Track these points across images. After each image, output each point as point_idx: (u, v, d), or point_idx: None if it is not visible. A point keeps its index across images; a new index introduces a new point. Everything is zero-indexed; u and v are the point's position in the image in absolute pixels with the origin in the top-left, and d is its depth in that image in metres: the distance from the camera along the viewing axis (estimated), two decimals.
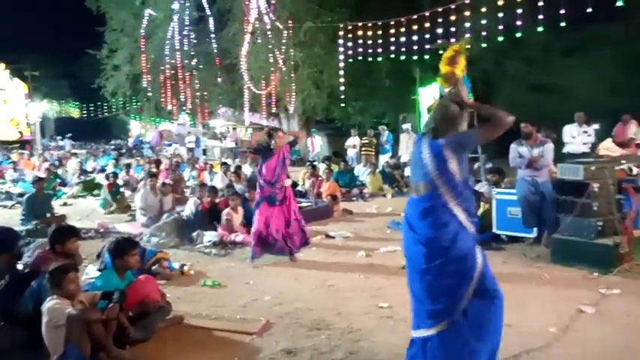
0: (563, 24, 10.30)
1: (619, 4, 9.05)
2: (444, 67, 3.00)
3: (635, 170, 5.65)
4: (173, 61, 17.77)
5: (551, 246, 5.62)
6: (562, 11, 10.13)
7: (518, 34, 11.05)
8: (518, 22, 10.47)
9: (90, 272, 5.32)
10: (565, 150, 9.18)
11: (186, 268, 5.55)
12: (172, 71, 18.28)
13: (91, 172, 16.53)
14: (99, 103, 36.13)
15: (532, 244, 6.21)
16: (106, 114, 36.95)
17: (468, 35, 3.14)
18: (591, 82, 15.35)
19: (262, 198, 5.97)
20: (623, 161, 5.93)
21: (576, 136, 9.19)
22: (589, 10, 9.38)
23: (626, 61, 15.24)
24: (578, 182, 5.37)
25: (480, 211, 6.75)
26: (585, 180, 5.32)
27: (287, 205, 6.06)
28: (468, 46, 3.10)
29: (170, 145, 26.69)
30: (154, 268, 5.26)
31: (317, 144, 19.70)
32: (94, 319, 3.26)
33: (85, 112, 41.27)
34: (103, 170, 16.96)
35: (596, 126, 10.48)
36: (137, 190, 9.99)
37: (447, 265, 2.71)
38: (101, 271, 4.64)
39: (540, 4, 9.77)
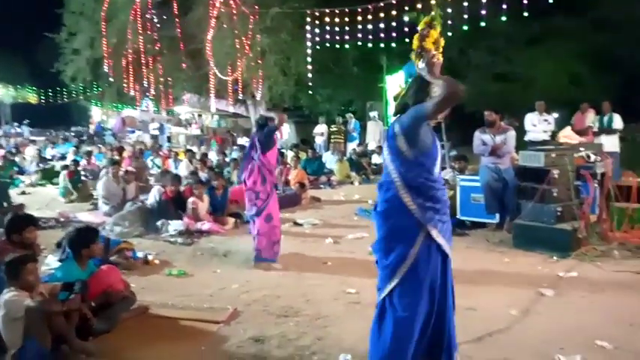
0: (525, 14, 10.52)
1: None
2: (415, 42, 2.81)
3: (592, 157, 5.86)
4: (136, 46, 17.26)
5: (512, 231, 5.79)
6: (525, 1, 10.34)
7: (483, 24, 11.23)
8: (483, 12, 10.63)
9: (50, 263, 5.16)
10: (526, 138, 9.43)
11: (150, 257, 5.45)
12: (135, 56, 17.77)
13: (51, 160, 15.98)
14: (58, 89, 34.85)
15: (495, 229, 6.39)
16: (65, 100, 35.67)
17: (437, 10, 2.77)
18: (552, 72, 15.77)
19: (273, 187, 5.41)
20: (582, 149, 6.14)
21: (537, 124, 9.46)
22: (550, 1, 9.61)
23: (584, 52, 15.73)
24: (538, 169, 5.53)
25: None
26: (546, 167, 5.48)
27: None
28: (438, 16, 2.83)
29: (133, 132, 26.03)
30: (112, 258, 5.09)
31: (285, 131, 19.58)
32: (55, 311, 3.16)
33: (44, 97, 39.75)
34: (63, 158, 16.42)
35: (555, 114, 10.81)
36: (99, 178, 9.73)
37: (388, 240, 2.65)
38: (62, 262, 4.50)
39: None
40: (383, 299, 2.67)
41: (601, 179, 5.79)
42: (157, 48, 18.53)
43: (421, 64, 2.74)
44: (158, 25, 17.82)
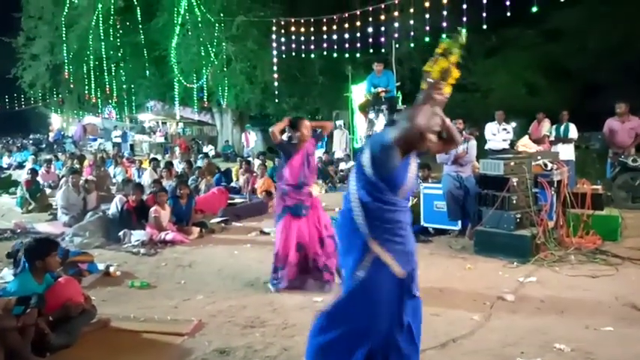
0: (484, 27, 10.85)
1: (534, 10, 9.67)
2: (428, 63, 2.57)
3: (549, 165, 6.07)
4: (98, 52, 16.89)
5: (474, 237, 5.93)
6: (484, 14, 10.67)
7: (444, 36, 11.51)
8: (444, 24, 10.90)
9: (4, 276, 4.96)
10: (486, 146, 9.69)
11: (112, 269, 5.31)
12: (97, 62, 17.38)
13: (7, 169, 15.41)
14: (15, 95, 33.65)
15: (457, 236, 6.53)
16: (23, 106, 34.48)
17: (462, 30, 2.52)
18: (509, 82, 16.32)
19: (285, 208, 4.67)
20: (539, 157, 6.35)
21: (496, 134, 9.74)
22: (508, 14, 9.96)
23: (539, 63, 16.34)
24: (498, 177, 5.69)
25: (409, 204, 6.99)
26: (505, 175, 5.64)
27: (317, 216, 4.74)
28: (458, 44, 2.60)
29: (95, 139, 25.42)
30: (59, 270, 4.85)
31: (251, 139, 19.53)
32: (9, 327, 3.04)
33: (0, 104, 38.29)
34: (20, 166, 15.85)
35: (514, 124, 11.15)
36: (58, 188, 9.44)
37: None
38: (16, 275, 4.33)
39: (464, 6, 10.24)
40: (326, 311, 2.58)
41: (558, 187, 6.00)
42: (119, 54, 18.20)
43: (423, 86, 2.53)
44: (121, 31, 17.51)
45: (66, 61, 17.31)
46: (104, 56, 16.92)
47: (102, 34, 16.39)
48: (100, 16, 16.28)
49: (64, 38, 17.03)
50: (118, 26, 17.28)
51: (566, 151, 9.02)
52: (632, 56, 14.40)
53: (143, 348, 3.56)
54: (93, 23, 16.47)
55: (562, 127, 9.48)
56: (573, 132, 9.41)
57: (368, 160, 2.44)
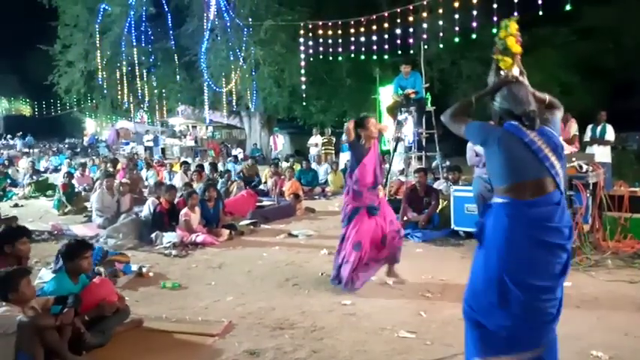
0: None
1: (567, 8, 9.44)
2: (515, 46, 2.74)
3: (584, 167, 5.89)
4: (130, 58, 17.32)
5: None
6: (515, 14, 10.45)
7: (474, 36, 11.35)
8: (474, 24, 10.75)
9: (43, 276, 5.11)
10: None
11: (145, 269, 5.42)
12: (129, 68, 17.82)
13: (44, 172, 15.92)
14: (52, 101, 34.80)
15: None
16: (59, 112, 35.63)
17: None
18: (543, 82, 15.91)
19: (357, 208, 4.65)
20: (574, 159, 6.18)
21: None
22: (540, 12, 9.74)
23: (573, 62, 15.94)
24: None
25: (439, 207, 6.91)
26: None
27: (383, 214, 4.73)
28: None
29: (127, 143, 26.04)
30: (97, 268, 5.04)
31: (279, 142, 19.67)
32: (47, 326, 3.13)
33: (37, 109, 39.66)
34: (56, 170, 16.35)
35: None
36: (93, 191, 9.70)
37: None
38: (55, 273, 4.46)
39: (494, 6, 10.08)
40: None
41: (593, 189, 5.83)
42: (151, 60, 18.61)
43: (513, 76, 2.74)
44: (152, 38, 17.91)
45: (99, 67, 17.78)
46: (136, 62, 17.32)
47: (134, 41, 16.79)
48: (132, 22, 16.69)
49: (97, 45, 17.50)
50: (150, 32, 17.66)
51: (603, 153, 8.77)
52: None
53: (174, 348, 3.61)
54: (125, 30, 16.88)
55: (599, 128, 9.20)
56: (610, 134, 9.13)
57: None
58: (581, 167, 5.83)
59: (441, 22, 11.63)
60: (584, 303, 4.21)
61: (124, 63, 17.69)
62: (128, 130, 28.09)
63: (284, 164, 13.71)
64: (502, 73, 2.78)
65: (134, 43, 16.92)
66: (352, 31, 12.77)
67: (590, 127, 9.37)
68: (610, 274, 4.96)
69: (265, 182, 11.39)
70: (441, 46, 13.08)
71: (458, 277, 4.56)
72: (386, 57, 13.47)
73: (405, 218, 7.07)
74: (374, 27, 12.42)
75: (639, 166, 9.15)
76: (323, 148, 15.49)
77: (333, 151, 15.46)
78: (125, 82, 18.35)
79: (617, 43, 14.97)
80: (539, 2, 9.76)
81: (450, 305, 4.09)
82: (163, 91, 19.91)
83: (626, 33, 14.67)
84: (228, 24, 15.72)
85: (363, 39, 12.70)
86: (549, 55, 16.01)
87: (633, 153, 11.34)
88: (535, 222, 2.44)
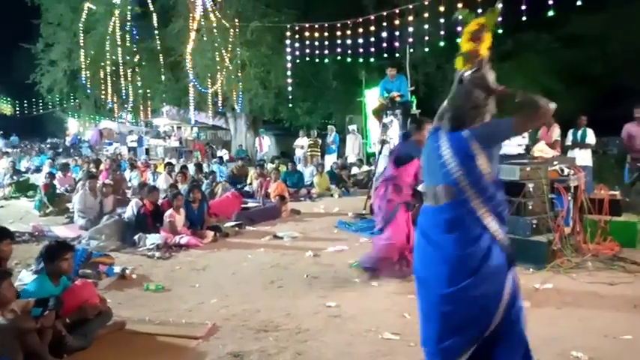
0: (499, 31, 10.77)
1: (550, 14, 9.59)
2: (465, 44, 2.51)
3: (566, 171, 5.99)
4: (114, 57, 17.13)
5: None
6: (499, 18, 10.60)
7: (458, 40, 11.47)
8: (459, 28, 10.87)
9: (23, 278, 5.03)
10: (502, 152, 9.58)
11: (127, 271, 5.36)
12: (113, 67, 17.63)
13: (25, 172, 15.65)
14: (33, 100, 34.23)
15: None
16: (41, 111, 35.07)
17: (499, 5, 2.44)
18: (525, 87, 16.11)
19: (400, 204, 4.85)
20: (556, 162, 6.28)
21: (512, 139, 9.63)
22: (523, 18, 9.89)
23: (556, 68, 16.19)
24: (514, 182, 5.63)
25: None
26: (521, 180, 5.59)
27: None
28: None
29: (111, 144, 25.74)
30: (80, 271, 4.99)
31: (265, 144, 19.63)
32: (28, 329, 3.09)
33: (19, 108, 38.98)
34: (37, 170, 16.10)
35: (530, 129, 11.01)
36: (75, 192, 9.57)
37: (474, 289, 2.28)
38: (36, 274, 4.41)
39: (479, 11, 10.18)
40: None
41: (574, 192, 5.93)
42: (136, 60, 18.43)
43: (477, 72, 2.44)
44: (137, 37, 17.74)
45: (83, 66, 17.57)
46: (120, 62, 17.16)
47: (118, 40, 16.62)
48: (117, 22, 16.52)
49: (81, 44, 17.29)
50: (135, 32, 17.50)
51: (584, 157, 8.90)
52: None
53: (158, 351, 3.58)
54: (110, 29, 16.71)
55: (579, 132, 9.36)
56: (591, 137, 9.29)
57: (486, 163, 2.32)
58: (562, 170, 5.93)
59: (426, 26, 11.73)
60: (565, 305, 4.27)
61: (108, 62, 17.49)
62: (111, 131, 27.78)
63: (269, 166, 13.68)
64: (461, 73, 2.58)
65: (118, 43, 16.73)
66: (339, 33, 12.81)
67: (571, 131, 9.52)
68: (590, 275, 5.04)
69: (250, 184, 11.35)
70: (427, 49, 13.19)
71: None
72: (372, 60, 13.54)
73: None
74: (360, 30, 12.48)
75: (619, 171, 9.28)
76: (309, 150, 15.51)
77: (319, 154, 15.49)
78: (109, 81, 18.15)
79: (603, 50, 15.24)
80: (523, 8, 9.91)
81: None
82: (148, 91, 19.74)
83: (614, 41, 14.94)
84: (214, 25, 15.64)
85: (349, 42, 12.75)
86: (532, 60, 16.24)
87: (614, 157, 11.53)
88: (422, 230, 2.50)
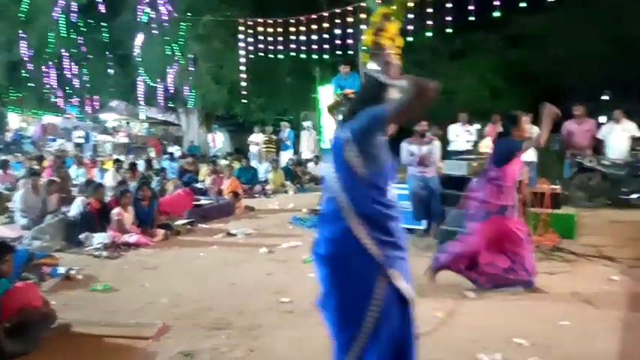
0: (449, 30, 11.08)
1: (496, 14, 9.95)
2: (367, 37, 2.38)
3: None
4: (59, 50, 16.41)
5: (438, 236, 6.05)
6: (448, 18, 10.90)
7: (410, 38, 11.70)
8: (410, 27, 11.07)
9: None
10: (450, 147, 9.90)
11: (73, 272, 5.17)
12: (57, 60, 16.89)
13: None
14: None
15: (422, 235, 6.65)
16: None
17: None
18: (473, 85, 16.68)
19: (498, 207, 4.44)
20: None
21: (460, 135, 9.97)
22: (470, 18, 10.21)
23: (502, 67, 16.81)
24: (462, 177, 5.82)
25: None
26: (468, 175, 5.78)
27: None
28: (400, 7, 2.43)
29: (55, 140, 24.62)
30: (23, 274, 4.76)
31: (218, 140, 19.34)
32: None
33: None
34: None
35: (477, 126, 11.42)
36: (16, 189, 9.11)
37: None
38: None
39: (429, 10, 10.43)
40: None
41: (518, 186, 6.18)
42: (82, 52, 17.73)
43: (374, 65, 2.28)
44: (84, 30, 17.07)
45: (26, 58, 16.74)
46: (65, 54, 16.45)
47: (63, 32, 15.92)
48: (62, 12, 15.83)
49: (22, 35, 16.47)
50: (81, 24, 16.82)
51: (528, 153, 9.27)
52: (589, 63, 14.97)
53: (106, 353, 3.48)
54: (54, 20, 15.99)
55: None
56: (535, 135, 9.70)
57: (356, 156, 2.03)
58: None
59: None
60: (508, 294, 4.46)
61: (52, 55, 16.73)
62: (56, 126, 26.56)
63: (222, 162, 13.51)
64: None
65: (64, 35, 16.03)
66: (292, 29, 12.77)
67: None
68: None
69: (203, 180, 11.17)
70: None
71: None
72: (326, 57, 13.59)
73: None
74: (314, 26, 12.50)
75: (560, 166, 9.75)
76: (264, 146, 15.41)
77: (275, 150, 15.42)
78: (53, 75, 17.37)
79: (545, 51, 15.91)
80: (471, 8, 10.22)
81: None
82: (95, 85, 19.04)
83: (553, 41, 15.62)
84: (166, 17, 15.25)
85: (303, 38, 12.74)
86: (480, 60, 16.77)
87: (555, 153, 12.10)
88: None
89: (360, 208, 2.02)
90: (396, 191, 2.20)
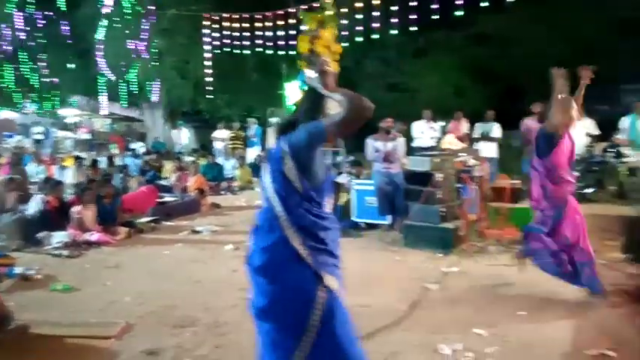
0: (413, 28, 11.25)
1: (458, 13, 10.16)
2: (301, 45, 2.27)
3: (471, 162, 6.42)
4: (15, 42, 15.80)
5: (402, 231, 6.17)
6: (413, 16, 11.07)
7: (375, 36, 11.82)
8: (375, 25, 11.19)
9: None
10: (414, 144, 10.06)
11: (31, 272, 5.02)
12: (13, 52, 16.26)
13: None
14: None
15: (387, 229, 6.76)
16: None
17: None
18: (437, 83, 16.96)
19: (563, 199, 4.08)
20: (462, 154, 6.70)
21: (424, 132, 10.15)
22: (433, 17, 10.40)
23: (466, 65, 17.15)
24: (425, 173, 5.95)
25: (341, 201, 7.16)
26: (431, 171, 5.92)
27: None
28: (332, 13, 2.33)
29: (11, 136, 23.71)
30: None
31: (184, 136, 19.03)
32: None
33: None
34: None
35: (442, 123, 11.63)
36: None
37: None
38: None
39: (394, 8, 10.56)
40: None
41: (479, 182, 6.36)
42: (40, 45, 17.13)
43: (311, 72, 2.21)
44: (44, 22, 16.49)
45: None
46: (22, 47, 15.85)
47: (19, 24, 15.32)
48: (17, 2, 15.24)
49: None
50: (39, 15, 16.23)
51: (490, 149, 9.54)
52: (549, 63, 15.43)
53: (66, 353, 3.42)
54: (11, 10, 15.37)
55: (486, 126, 10.02)
56: (497, 131, 9.97)
57: (294, 171, 2.01)
58: (467, 162, 6.34)
59: (344, 21, 11.94)
60: (469, 286, 4.60)
61: (9, 47, 16.10)
62: (12, 122, 25.58)
63: (188, 159, 13.33)
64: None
65: (20, 27, 15.44)
66: (258, 25, 12.71)
67: (478, 124, 10.17)
68: (492, 259, 5.45)
69: (167, 177, 11.00)
70: (345, 44, 13.42)
71: (358, 267, 4.75)
72: (292, 53, 13.57)
73: None
74: (280, 22, 12.46)
75: (519, 162, 10.06)
76: (231, 143, 15.26)
77: (242, 146, 15.29)
78: (9, 68, 16.72)
79: (506, 50, 16.31)
80: (435, 7, 10.40)
81: (350, 295, 4.26)
82: (55, 79, 18.44)
83: (515, 41, 16.04)
84: (127, 10, 14.90)
85: (269, 34, 12.69)
86: (444, 58, 17.05)
87: (516, 149, 12.46)
88: None
89: (296, 220, 2.03)
90: (331, 205, 2.17)
